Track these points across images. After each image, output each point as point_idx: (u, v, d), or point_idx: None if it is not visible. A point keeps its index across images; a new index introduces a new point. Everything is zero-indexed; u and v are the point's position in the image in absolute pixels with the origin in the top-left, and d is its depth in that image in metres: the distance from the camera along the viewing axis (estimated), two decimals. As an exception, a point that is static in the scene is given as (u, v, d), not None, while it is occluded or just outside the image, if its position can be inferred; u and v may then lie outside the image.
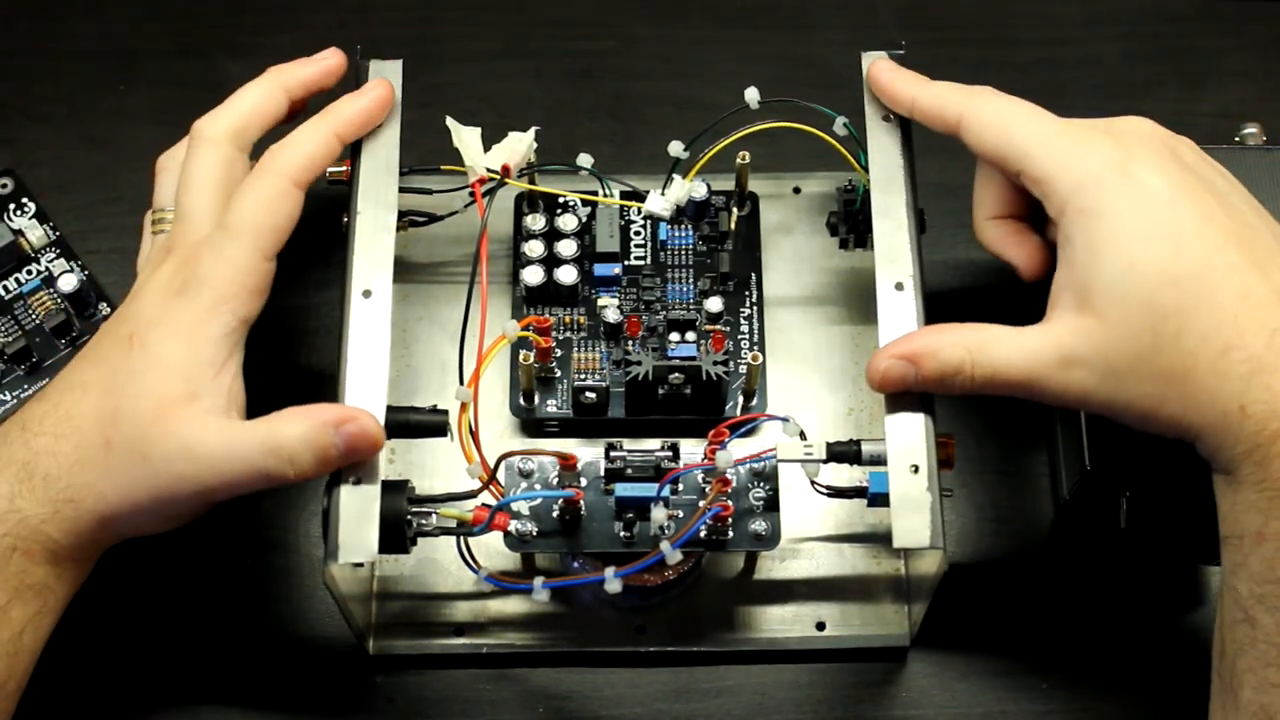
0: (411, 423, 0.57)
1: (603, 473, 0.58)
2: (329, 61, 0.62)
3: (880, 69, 0.60)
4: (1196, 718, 0.63)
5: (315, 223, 0.73)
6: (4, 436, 0.55)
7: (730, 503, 0.58)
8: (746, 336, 0.66)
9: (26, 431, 0.55)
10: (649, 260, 0.67)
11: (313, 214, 0.72)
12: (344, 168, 0.61)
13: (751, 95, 0.61)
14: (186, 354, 0.54)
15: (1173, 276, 0.50)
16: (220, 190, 0.58)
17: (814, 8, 0.79)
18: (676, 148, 0.62)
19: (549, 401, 0.65)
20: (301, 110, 0.62)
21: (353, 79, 0.62)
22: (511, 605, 0.64)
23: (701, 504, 0.57)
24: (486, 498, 0.57)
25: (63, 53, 0.77)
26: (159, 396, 0.53)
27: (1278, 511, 0.49)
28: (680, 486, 0.59)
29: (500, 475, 0.57)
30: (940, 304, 0.70)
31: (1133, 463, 0.61)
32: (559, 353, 0.66)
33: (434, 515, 0.56)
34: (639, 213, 0.68)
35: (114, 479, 0.54)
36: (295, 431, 0.53)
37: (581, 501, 0.58)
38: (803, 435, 0.57)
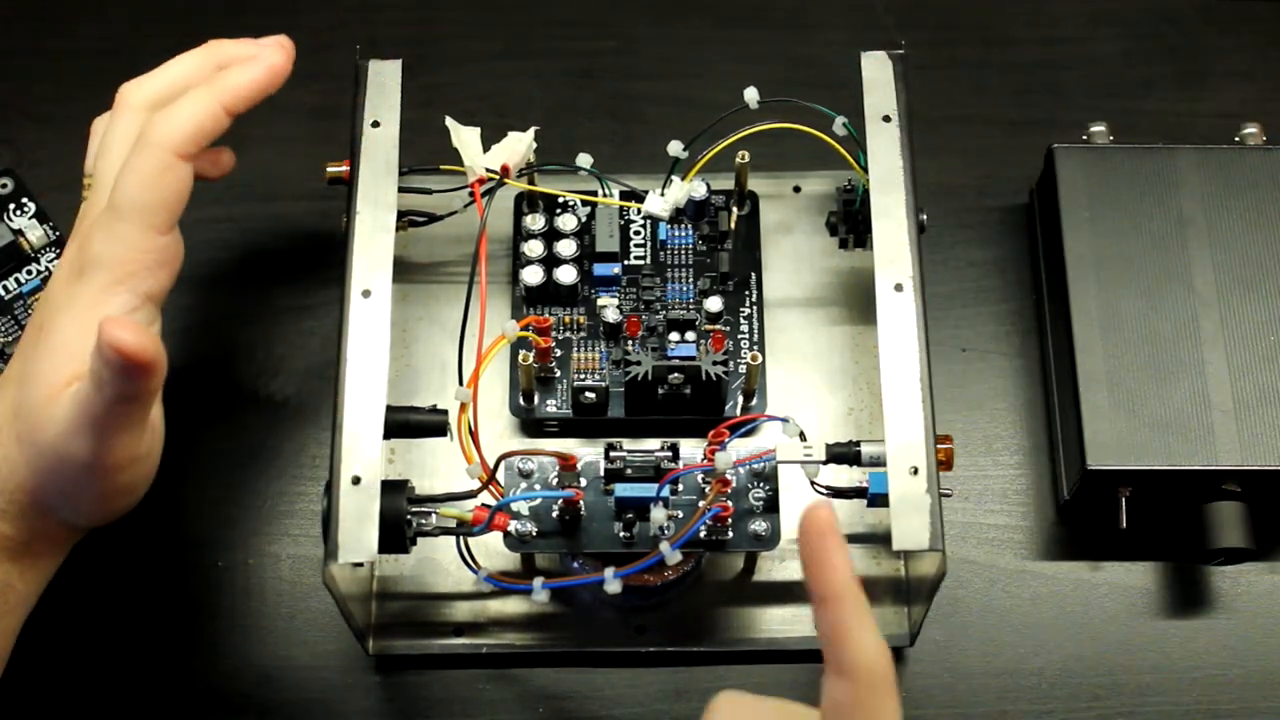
0: (411, 423, 0.57)
1: (602, 473, 0.58)
2: (273, 59, 0.59)
3: (820, 527, 0.46)
4: (1197, 717, 0.63)
5: (315, 223, 0.73)
6: None
7: (730, 503, 0.58)
8: (746, 336, 0.66)
9: None
10: (649, 260, 0.67)
11: (312, 214, 0.73)
12: (344, 168, 0.61)
13: (751, 95, 0.61)
14: (81, 336, 0.52)
15: None
16: None
17: (814, 8, 0.79)
18: (676, 148, 0.62)
19: (549, 401, 0.65)
20: None
21: (352, 75, 0.62)
22: (511, 605, 0.64)
23: (701, 504, 0.57)
24: (486, 498, 0.57)
25: (63, 53, 0.77)
26: (50, 381, 0.52)
27: None
28: (680, 487, 0.59)
29: (500, 475, 0.57)
30: (940, 304, 0.71)
31: (1133, 463, 0.61)
32: (559, 353, 0.65)
33: (434, 515, 0.56)
34: (638, 212, 0.68)
35: (31, 471, 0.53)
36: (95, 356, 0.50)
37: (581, 502, 0.58)
38: (802, 436, 0.57)
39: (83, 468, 0.53)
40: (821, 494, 0.59)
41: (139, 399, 0.51)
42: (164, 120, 0.55)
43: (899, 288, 0.57)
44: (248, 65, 0.58)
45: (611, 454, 0.58)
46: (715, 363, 0.63)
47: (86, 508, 0.55)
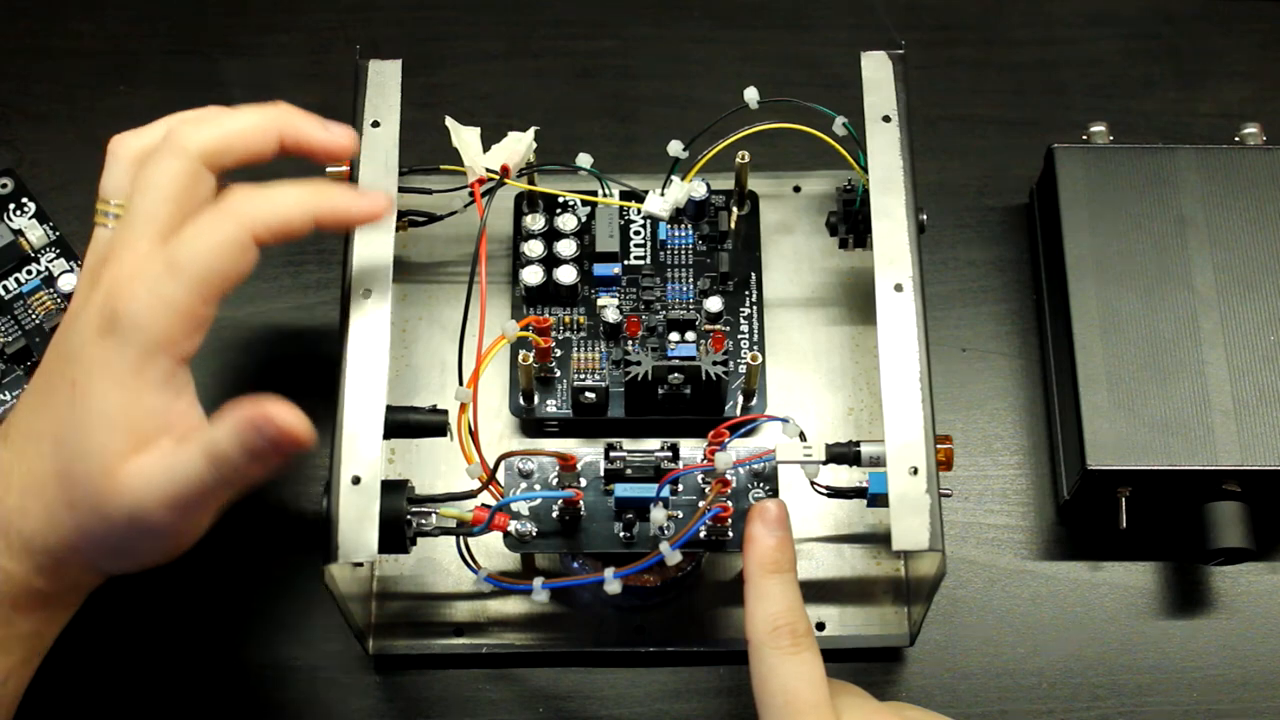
0: (411, 423, 0.57)
1: (602, 473, 0.58)
2: (340, 141, 0.56)
3: (769, 521, 0.55)
4: (1196, 717, 0.63)
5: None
6: None
7: (730, 503, 0.58)
8: (746, 336, 0.66)
9: (3, 485, 0.51)
10: (649, 260, 0.67)
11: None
12: (344, 168, 0.61)
13: (751, 95, 0.61)
14: (127, 405, 0.49)
15: None
16: (176, 207, 0.51)
17: (814, 8, 0.79)
18: (676, 148, 0.62)
19: (548, 402, 0.65)
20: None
21: (353, 85, 0.62)
22: (511, 605, 0.64)
23: (701, 505, 0.57)
24: (486, 498, 0.57)
25: (63, 53, 0.77)
26: (106, 454, 0.49)
27: None
28: (680, 487, 0.59)
29: (500, 475, 0.57)
30: (940, 304, 0.71)
31: (1133, 463, 0.61)
32: (558, 353, 0.66)
33: (434, 515, 0.56)
34: (638, 212, 0.68)
35: (84, 536, 0.51)
36: (228, 438, 0.49)
37: (581, 502, 0.58)
38: (802, 436, 0.57)
39: (159, 535, 0.51)
40: (821, 494, 0.59)
41: (265, 472, 0.49)
42: (257, 200, 0.52)
43: (899, 288, 0.57)
44: (356, 197, 0.55)
45: (611, 454, 0.58)
46: (715, 363, 0.63)
47: (144, 560, 0.53)
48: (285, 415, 0.48)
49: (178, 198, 0.52)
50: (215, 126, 0.53)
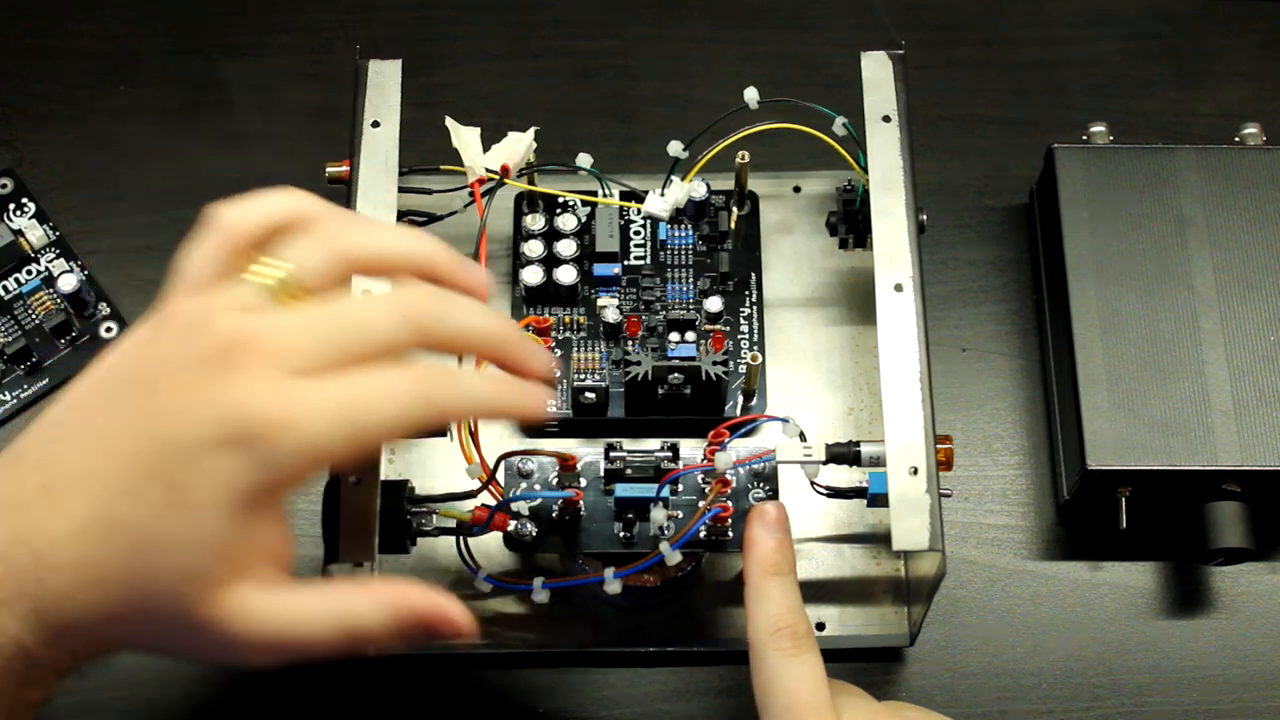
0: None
1: (602, 473, 0.58)
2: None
3: (769, 523, 0.55)
4: (1196, 717, 0.63)
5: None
6: (8, 557, 0.43)
7: (730, 503, 0.58)
8: (746, 336, 0.66)
9: (40, 563, 0.43)
10: (648, 260, 0.67)
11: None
12: (344, 168, 0.61)
13: (751, 95, 0.61)
14: (237, 533, 0.44)
15: None
16: (352, 343, 0.45)
17: (814, 8, 0.79)
18: (676, 148, 0.62)
19: (548, 402, 0.65)
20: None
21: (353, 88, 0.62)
22: (511, 605, 0.64)
23: (701, 505, 0.57)
24: (486, 498, 0.57)
25: (63, 53, 0.77)
26: (206, 580, 0.43)
27: None
28: (680, 487, 0.59)
29: (500, 475, 0.57)
30: (940, 304, 0.71)
31: (1133, 463, 0.61)
32: (559, 353, 0.66)
33: (434, 515, 0.56)
34: (638, 212, 0.68)
35: (153, 641, 0.45)
36: (375, 617, 0.46)
37: (581, 502, 0.58)
38: (802, 436, 0.57)
39: (239, 660, 0.46)
40: (821, 494, 0.59)
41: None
42: (456, 394, 0.46)
43: (899, 288, 0.57)
44: (533, 395, 0.49)
45: (611, 454, 0.58)
46: (715, 363, 0.63)
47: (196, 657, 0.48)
48: (456, 611, 0.46)
49: (354, 329, 0.45)
50: (371, 238, 0.48)
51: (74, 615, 0.43)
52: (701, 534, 0.58)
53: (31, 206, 0.72)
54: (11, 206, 0.72)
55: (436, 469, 0.65)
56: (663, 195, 0.64)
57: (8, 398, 0.68)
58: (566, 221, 0.67)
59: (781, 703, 0.51)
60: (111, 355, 0.46)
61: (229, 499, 0.43)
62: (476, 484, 0.57)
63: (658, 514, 0.56)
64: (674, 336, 0.65)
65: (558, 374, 0.53)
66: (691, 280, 0.67)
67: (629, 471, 0.58)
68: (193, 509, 0.43)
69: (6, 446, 0.45)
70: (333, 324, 0.45)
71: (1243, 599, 0.65)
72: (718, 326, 0.66)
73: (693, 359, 0.63)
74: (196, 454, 0.43)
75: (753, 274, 0.68)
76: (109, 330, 0.70)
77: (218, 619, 0.44)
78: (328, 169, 0.62)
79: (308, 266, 0.46)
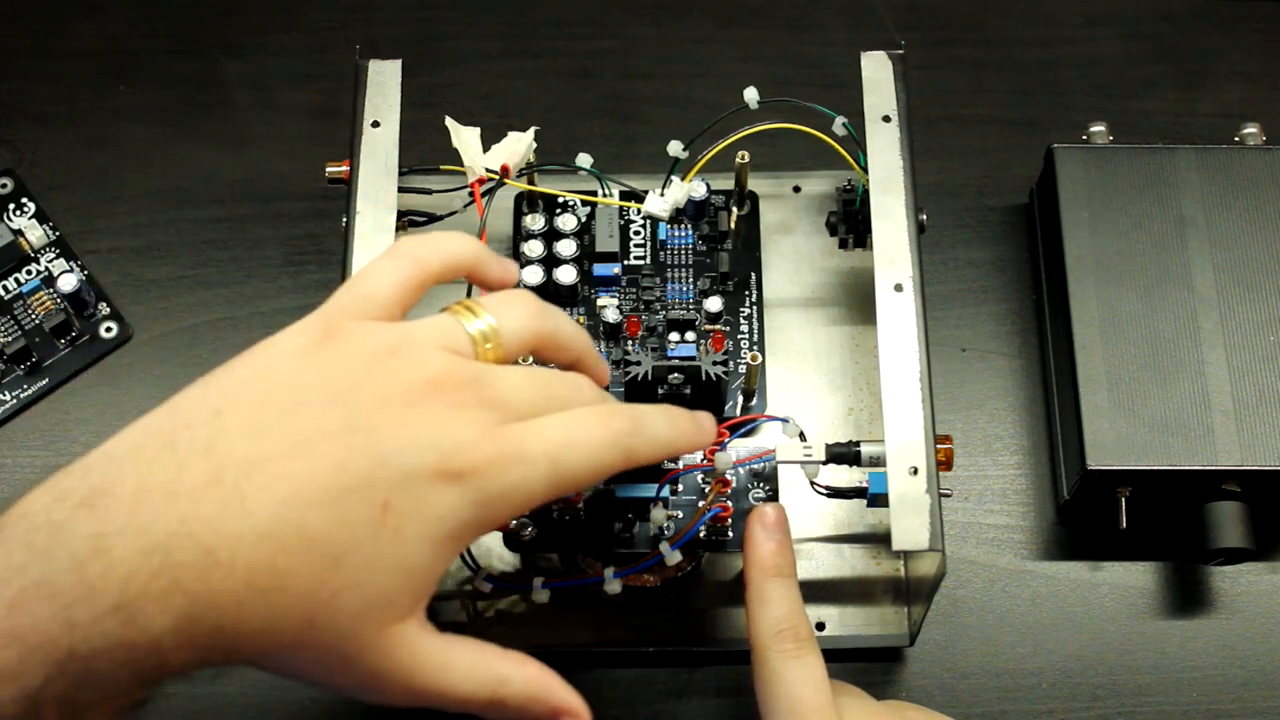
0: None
1: (602, 473, 0.58)
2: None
3: (769, 526, 0.55)
4: (1196, 717, 0.63)
5: (315, 223, 0.73)
6: (169, 549, 0.39)
7: (730, 503, 0.58)
8: (746, 336, 0.66)
9: (210, 560, 0.39)
10: (648, 260, 0.67)
11: (312, 214, 0.73)
12: (344, 168, 0.61)
13: (751, 95, 0.61)
14: (429, 568, 0.43)
15: None
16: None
17: (814, 8, 0.79)
18: (676, 148, 0.62)
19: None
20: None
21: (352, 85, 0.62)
22: (511, 605, 0.64)
23: (701, 504, 0.57)
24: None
25: (63, 53, 0.77)
26: (390, 605, 0.42)
27: None
28: (680, 487, 0.59)
29: (500, 475, 0.57)
30: (940, 304, 0.71)
31: (1133, 463, 0.61)
32: (559, 353, 0.65)
33: (434, 515, 0.56)
34: (638, 212, 0.68)
35: (299, 659, 0.42)
36: (521, 692, 0.46)
37: (581, 502, 0.58)
38: (802, 436, 0.57)
39: (365, 694, 0.44)
40: (821, 494, 0.59)
41: None
42: (642, 427, 0.48)
43: (899, 288, 0.57)
44: (706, 432, 0.53)
45: (611, 454, 0.58)
46: (715, 363, 0.63)
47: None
48: (581, 708, 0.47)
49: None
50: (551, 322, 0.49)
51: (233, 622, 0.40)
52: (701, 534, 0.58)
53: (31, 206, 0.72)
54: (11, 206, 0.72)
55: (436, 469, 0.65)
56: (663, 195, 0.64)
57: (8, 398, 0.68)
58: (566, 221, 0.67)
59: (784, 705, 0.51)
60: (277, 351, 0.44)
61: (438, 532, 0.42)
62: (476, 484, 0.57)
63: (658, 514, 0.56)
64: (674, 336, 0.65)
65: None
66: (691, 280, 0.67)
67: (629, 471, 0.58)
68: (402, 536, 0.42)
69: (147, 415, 0.42)
70: (549, 383, 0.47)
71: (1243, 599, 0.65)
72: (718, 326, 0.66)
73: (693, 359, 0.63)
74: (415, 481, 0.42)
75: (753, 274, 0.68)
76: (108, 330, 0.70)
77: (387, 652, 0.43)
78: (328, 169, 0.62)
79: (511, 328, 0.47)
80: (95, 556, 0.39)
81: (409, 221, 0.67)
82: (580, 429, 0.46)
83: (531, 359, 0.54)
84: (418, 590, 0.43)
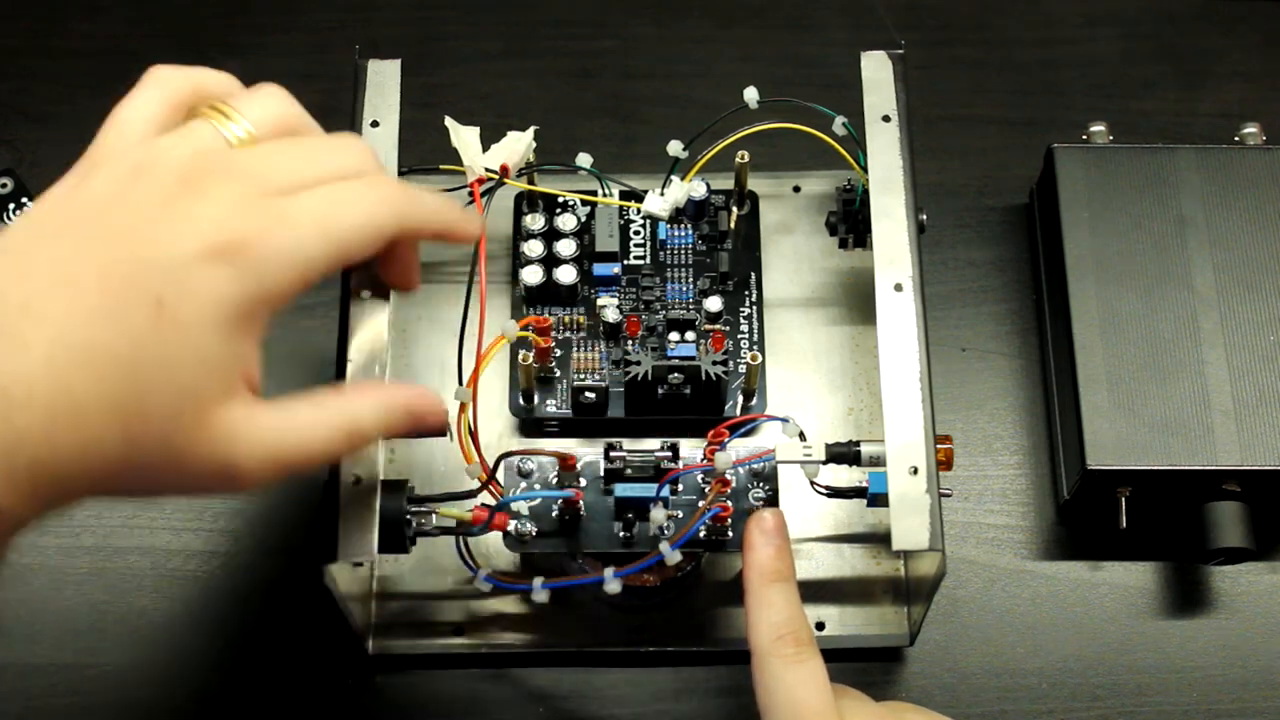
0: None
1: (602, 473, 0.58)
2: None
3: (767, 531, 0.55)
4: (1196, 717, 0.63)
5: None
6: None
7: (730, 503, 0.58)
8: (746, 336, 0.66)
9: (8, 401, 0.40)
10: (648, 260, 0.67)
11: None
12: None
13: (751, 95, 0.61)
14: (228, 346, 0.44)
15: None
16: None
17: (814, 8, 0.79)
18: (676, 147, 0.62)
19: (548, 401, 0.65)
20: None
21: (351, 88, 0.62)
22: (511, 605, 0.64)
23: (701, 504, 0.57)
24: (486, 498, 0.57)
25: (63, 53, 0.77)
26: (200, 396, 0.43)
27: None
28: (680, 487, 0.59)
29: (500, 475, 0.57)
30: (940, 304, 0.71)
31: (1133, 463, 0.61)
32: (558, 352, 0.65)
33: (434, 515, 0.56)
34: (638, 212, 0.68)
35: (137, 474, 0.43)
36: (371, 413, 0.48)
37: (581, 501, 0.58)
38: (802, 436, 0.57)
39: (234, 485, 0.45)
40: (821, 494, 0.59)
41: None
42: (415, 198, 0.49)
43: (899, 288, 0.57)
44: (474, 220, 0.53)
45: (611, 454, 0.58)
46: (715, 363, 0.63)
47: (178, 495, 0.49)
48: (440, 407, 0.50)
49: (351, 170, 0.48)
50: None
51: (49, 454, 0.41)
52: (701, 534, 0.58)
53: (31, 206, 0.72)
54: (11, 206, 0.72)
55: (436, 469, 0.65)
56: (662, 195, 0.64)
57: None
58: (566, 221, 0.67)
59: (786, 709, 0.51)
60: (48, 198, 0.45)
61: (219, 314, 0.43)
62: (476, 484, 0.57)
63: (658, 514, 0.56)
64: (674, 336, 0.65)
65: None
66: (691, 280, 0.67)
67: (629, 471, 0.58)
68: (183, 325, 0.42)
69: None
70: (300, 152, 0.47)
71: (1243, 599, 0.65)
72: (718, 326, 0.66)
73: (693, 359, 0.63)
74: (181, 269, 0.43)
75: (752, 274, 0.68)
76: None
77: (216, 439, 0.43)
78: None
79: (263, 117, 0.48)
80: None
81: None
82: (348, 191, 0.46)
83: None
84: (224, 374, 0.44)
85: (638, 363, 0.63)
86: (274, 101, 0.49)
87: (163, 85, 0.48)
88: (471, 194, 0.61)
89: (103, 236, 0.43)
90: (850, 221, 0.66)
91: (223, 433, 0.44)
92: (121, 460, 0.42)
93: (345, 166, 0.48)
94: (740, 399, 0.65)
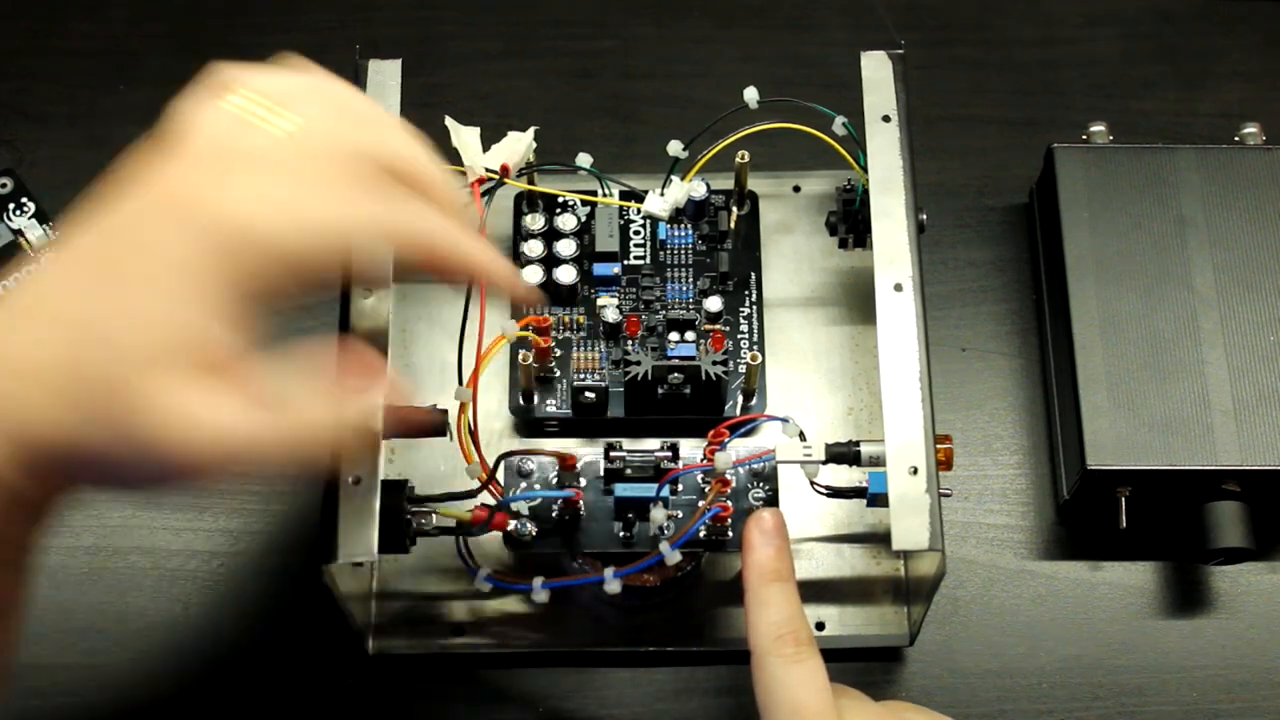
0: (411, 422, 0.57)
1: (602, 473, 0.58)
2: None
3: (767, 531, 0.55)
4: (1196, 717, 0.63)
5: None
6: None
7: (729, 503, 0.58)
8: (746, 336, 0.66)
9: (9, 373, 0.41)
10: (648, 260, 0.67)
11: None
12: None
13: (751, 95, 0.61)
14: (182, 313, 0.42)
15: None
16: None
17: (814, 8, 0.79)
18: (676, 147, 0.62)
19: (548, 401, 0.65)
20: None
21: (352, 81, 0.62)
22: (511, 605, 0.64)
23: (701, 504, 0.57)
24: (486, 498, 0.57)
25: (63, 53, 0.77)
26: (138, 356, 0.42)
27: None
28: (680, 487, 0.59)
29: (500, 475, 0.57)
30: (940, 304, 0.71)
31: (1133, 463, 0.61)
32: (558, 352, 0.65)
33: (434, 515, 0.56)
34: (638, 212, 0.68)
35: (100, 456, 0.42)
36: (322, 420, 0.46)
37: (581, 501, 0.58)
38: (802, 436, 0.57)
39: (171, 473, 0.43)
40: (821, 494, 0.59)
41: None
42: (417, 210, 0.47)
43: (899, 288, 0.57)
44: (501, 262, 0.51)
45: (611, 454, 0.58)
46: (715, 363, 0.63)
47: (135, 488, 0.46)
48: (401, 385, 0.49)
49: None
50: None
51: (26, 417, 0.41)
52: (701, 534, 0.58)
53: (31, 206, 0.72)
54: (11, 206, 0.72)
55: (436, 469, 0.65)
56: (662, 195, 0.64)
57: (7, 398, 0.68)
58: (566, 221, 0.67)
59: (786, 709, 0.51)
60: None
61: (181, 275, 0.42)
62: (476, 484, 0.57)
63: (658, 514, 0.56)
64: (674, 336, 0.65)
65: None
66: (691, 280, 0.67)
67: (629, 471, 0.58)
68: (140, 283, 0.42)
69: None
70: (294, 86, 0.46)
71: (1243, 599, 0.65)
72: (717, 326, 0.66)
73: (692, 359, 0.63)
74: (150, 234, 0.42)
75: (752, 274, 0.68)
76: (109, 330, 0.69)
77: (151, 407, 0.41)
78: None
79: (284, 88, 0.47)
80: None
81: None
82: (339, 189, 0.45)
83: None
84: (180, 342, 0.42)
85: (638, 363, 0.63)
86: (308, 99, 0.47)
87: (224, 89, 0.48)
88: (472, 194, 0.61)
89: (105, 211, 0.43)
90: (850, 221, 0.66)
91: (160, 408, 0.41)
92: (74, 429, 0.41)
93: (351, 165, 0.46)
94: (740, 399, 0.65)
